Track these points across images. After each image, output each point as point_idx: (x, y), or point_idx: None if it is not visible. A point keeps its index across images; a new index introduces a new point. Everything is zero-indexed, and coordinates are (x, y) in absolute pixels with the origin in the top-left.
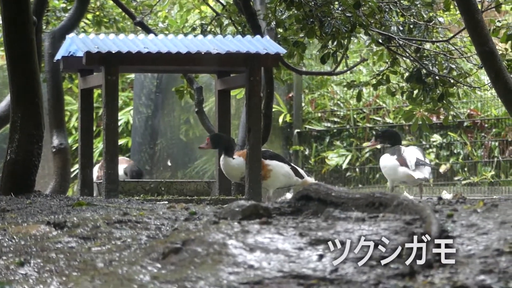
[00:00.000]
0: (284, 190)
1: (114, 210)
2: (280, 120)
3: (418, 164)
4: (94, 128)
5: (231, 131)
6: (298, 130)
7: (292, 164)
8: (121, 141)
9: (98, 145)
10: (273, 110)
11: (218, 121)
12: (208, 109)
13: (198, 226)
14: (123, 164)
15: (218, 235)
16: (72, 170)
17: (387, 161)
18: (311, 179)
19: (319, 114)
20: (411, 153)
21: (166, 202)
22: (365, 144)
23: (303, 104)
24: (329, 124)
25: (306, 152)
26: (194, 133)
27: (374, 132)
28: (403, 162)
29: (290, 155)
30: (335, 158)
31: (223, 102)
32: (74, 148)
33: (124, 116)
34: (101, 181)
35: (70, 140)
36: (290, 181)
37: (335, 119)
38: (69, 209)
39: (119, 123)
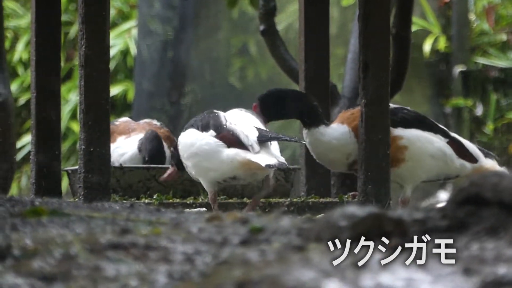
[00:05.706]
0: (434, 186)
1: (104, 225)
2: (427, 48)
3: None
4: (62, 64)
5: (329, 70)
6: (463, 68)
7: (454, 135)
8: (114, 89)
9: (69, 96)
10: (414, 29)
11: (305, 50)
12: (285, 26)
13: (268, 256)
14: (140, 134)
15: (307, 273)
16: (18, 144)
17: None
18: (492, 164)
19: (504, 37)
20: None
21: (204, 208)
22: None
23: (471, 17)
24: None
25: (478, 110)
26: (257, 73)
27: None
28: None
29: (445, 115)
30: None
31: (314, 13)
32: (23, 102)
33: (120, 41)
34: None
35: (14, 87)
36: (448, 168)
37: None
38: (17, 222)
39: (111, 53)
